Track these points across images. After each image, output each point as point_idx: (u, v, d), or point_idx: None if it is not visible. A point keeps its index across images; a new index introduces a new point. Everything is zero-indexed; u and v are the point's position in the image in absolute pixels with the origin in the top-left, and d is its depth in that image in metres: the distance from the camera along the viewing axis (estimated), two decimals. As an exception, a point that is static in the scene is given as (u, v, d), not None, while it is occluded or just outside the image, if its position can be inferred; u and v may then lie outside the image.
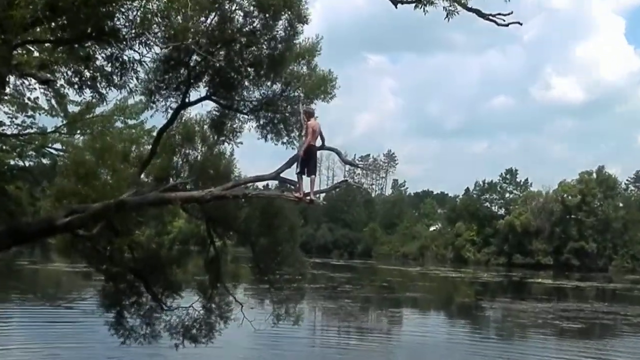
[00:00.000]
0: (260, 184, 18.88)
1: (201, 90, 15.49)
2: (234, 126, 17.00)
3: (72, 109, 22.39)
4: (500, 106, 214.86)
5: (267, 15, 13.90)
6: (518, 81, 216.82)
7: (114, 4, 10.57)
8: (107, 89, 12.54)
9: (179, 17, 11.96)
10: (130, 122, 22.93)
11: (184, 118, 17.60)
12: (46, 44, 12.38)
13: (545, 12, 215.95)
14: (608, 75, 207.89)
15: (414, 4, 11.75)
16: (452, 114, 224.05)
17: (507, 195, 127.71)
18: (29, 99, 19.98)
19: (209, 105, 16.58)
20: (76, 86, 12.50)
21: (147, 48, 11.79)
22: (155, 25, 11.85)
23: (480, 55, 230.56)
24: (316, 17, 15.92)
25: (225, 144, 17.75)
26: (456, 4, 11.66)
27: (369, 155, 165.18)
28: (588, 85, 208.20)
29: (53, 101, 21.12)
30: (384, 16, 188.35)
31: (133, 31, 11.34)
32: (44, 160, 24.50)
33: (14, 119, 21.41)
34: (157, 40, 12.05)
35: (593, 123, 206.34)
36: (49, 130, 23.05)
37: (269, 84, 15.87)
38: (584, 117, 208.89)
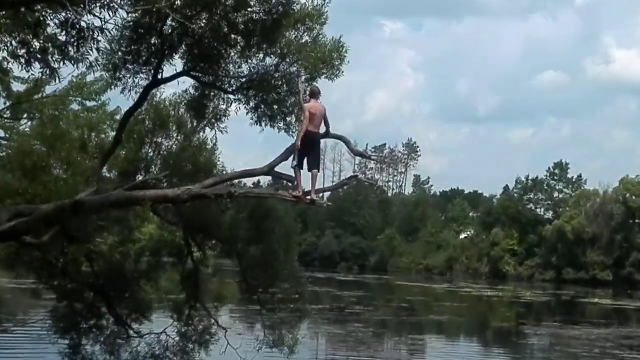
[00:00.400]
0: (249, 181, 18.97)
1: (177, 64, 15.55)
2: (218, 109, 17.07)
3: (18, 87, 22.45)
4: (547, 84, 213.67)
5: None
6: (570, 54, 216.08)
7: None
8: (61, 63, 12.59)
9: (150, -27, 11.98)
10: (90, 103, 23.00)
11: (155, 99, 17.67)
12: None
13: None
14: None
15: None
16: (487, 94, 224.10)
17: (555, 195, 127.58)
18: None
19: (187, 83, 16.66)
20: (23, 60, 12.54)
21: (110, 12, 11.80)
22: (120, -16, 11.90)
23: (522, 21, 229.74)
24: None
25: (207, 130, 17.84)
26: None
27: (384, 145, 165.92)
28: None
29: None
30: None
31: (93, -9, 11.37)
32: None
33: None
34: (123, 3, 12.08)
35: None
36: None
37: (261, 56, 15.92)
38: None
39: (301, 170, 13.73)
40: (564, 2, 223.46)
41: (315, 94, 13.99)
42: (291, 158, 14.07)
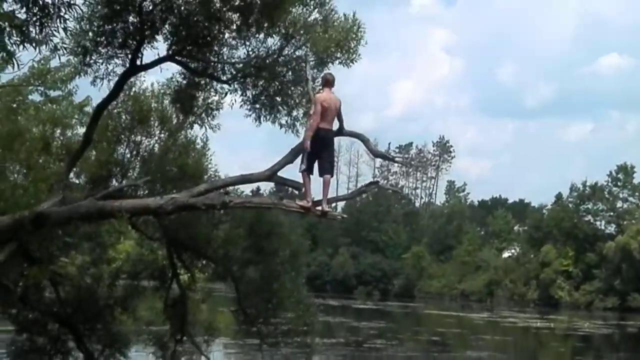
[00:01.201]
0: (247, 188, 18.98)
1: (160, 47, 15.61)
2: (209, 101, 17.14)
3: (-33, 75, 22.55)
4: (610, 70, 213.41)
5: None
6: (637, 33, 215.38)
7: None
8: (20, 45, 12.63)
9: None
10: (54, 93, 23.06)
11: (134, 89, 17.74)
12: None
13: None
14: None
15: None
16: (537, 83, 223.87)
17: (619, 204, 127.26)
18: None
19: (171, 70, 16.73)
20: (-27, 42, 12.58)
21: (80, -16, 11.89)
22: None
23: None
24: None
25: (196, 127, 17.90)
26: None
27: (410, 144, 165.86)
28: None
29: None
30: None
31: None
32: None
33: None
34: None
35: None
36: None
37: (260, 37, 15.98)
38: None
39: (311, 176, 13.72)
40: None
41: (329, 83, 13.97)
42: (298, 160, 14.10)
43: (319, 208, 13.84)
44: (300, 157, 13.93)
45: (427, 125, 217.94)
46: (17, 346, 18.48)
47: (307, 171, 13.69)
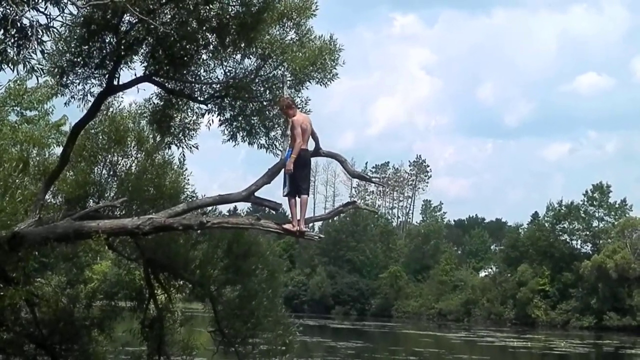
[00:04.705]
0: (224, 208, 19.00)
1: (137, 67, 15.65)
2: (186, 121, 17.17)
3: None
4: (589, 89, 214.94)
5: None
6: (616, 53, 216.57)
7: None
8: (-2, 66, 12.64)
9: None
10: (30, 113, 23.02)
11: (111, 109, 17.73)
12: None
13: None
14: None
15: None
16: (516, 102, 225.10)
17: (594, 223, 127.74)
18: None
19: (149, 91, 16.77)
20: (-49, 62, 12.58)
21: (58, 7, 11.90)
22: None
23: (559, 13, 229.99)
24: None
25: (173, 147, 17.91)
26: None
27: (387, 163, 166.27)
28: None
29: None
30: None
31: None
32: None
33: None
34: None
35: None
36: None
37: (237, 57, 16.06)
38: None
39: (297, 198, 13.73)
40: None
41: (295, 104, 14.15)
42: (275, 181, 14.19)
43: (296, 228, 13.88)
44: (281, 178, 14.00)
45: (407, 144, 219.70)
46: (-7, 367, 18.38)
47: (291, 195, 13.72)
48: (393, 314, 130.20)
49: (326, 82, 16.29)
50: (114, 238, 15.77)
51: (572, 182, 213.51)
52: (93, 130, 17.65)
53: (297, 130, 13.55)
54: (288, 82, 15.90)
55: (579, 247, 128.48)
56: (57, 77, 15.28)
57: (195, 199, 17.02)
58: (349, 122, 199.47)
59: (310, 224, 15.58)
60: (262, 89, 16.39)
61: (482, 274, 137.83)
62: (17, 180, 17.01)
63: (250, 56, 16.03)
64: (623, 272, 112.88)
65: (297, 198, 13.76)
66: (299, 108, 14.21)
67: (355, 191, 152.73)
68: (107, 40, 15.06)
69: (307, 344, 59.10)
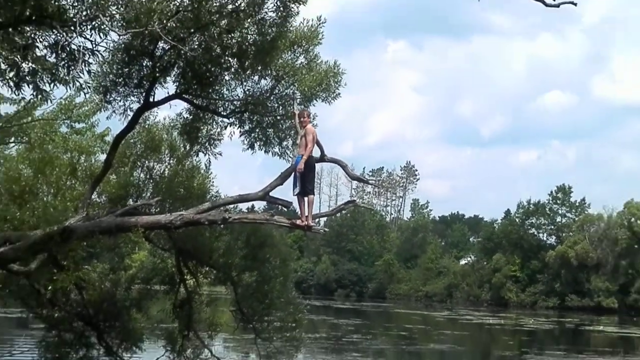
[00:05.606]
0: (244, 206, 18.97)
1: (169, 86, 15.62)
2: (211, 132, 17.11)
3: (7, 109, 22.45)
4: (553, 105, 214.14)
5: (253, -9, 13.97)
6: (577, 73, 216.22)
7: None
8: (51, 85, 12.59)
9: (142, -6, 12.06)
10: (79, 125, 22.99)
11: (147, 122, 17.70)
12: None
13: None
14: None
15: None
16: (492, 116, 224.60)
17: (558, 219, 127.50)
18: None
19: (179, 106, 16.72)
20: (12, 82, 12.54)
21: (101, 34, 11.88)
22: (112, 6, 11.95)
23: (529, 40, 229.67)
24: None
25: (200, 154, 17.87)
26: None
27: (382, 168, 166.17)
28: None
29: (-19, 101, 21.22)
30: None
31: (84, 13, 11.42)
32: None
33: None
34: (114, 25, 12.14)
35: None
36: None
37: (255, 78, 16.00)
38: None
39: (306, 198, 13.73)
40: (573, 21, 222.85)
41: (308, 117, 14.24)
42: (287, 182, 14.16)
43: (305, 223, 13.88)
44: (291, 180, 13.99)
45: (399, 151, 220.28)
46: (47, 341, 18.33)
47: (302, 194, 13.72)
48: (387, 296, 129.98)
49: (330, 101, 16.29)
50: (150, 231, 15.70)
51: (539, 184, 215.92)
52: (132, 140, 17.61)
53: (310, 137, 13.69)
54: (298, 99, 15.84)
55: (544, 239, 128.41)
56: (102, 94, 15.24)
57: (218, 198, 16.95)
58: (349, 133, 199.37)
59: (316, 220, 15.51)
60: (276, 105, 16.34)
61: (462, 262, 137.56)
62: (67, 183, 17.02)
63: (266, 77, 15.98)
64: (582, 260, 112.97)
65: (305, 197, 13.76)
66: (312, 121, 14.30)
67: (355, 192, 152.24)
68: (144, 64, 15.02)
69: (313, 321, 58.97)
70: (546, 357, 49.97)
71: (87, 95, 16.96)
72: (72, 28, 11.36)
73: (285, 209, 15.88)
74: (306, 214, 13.81)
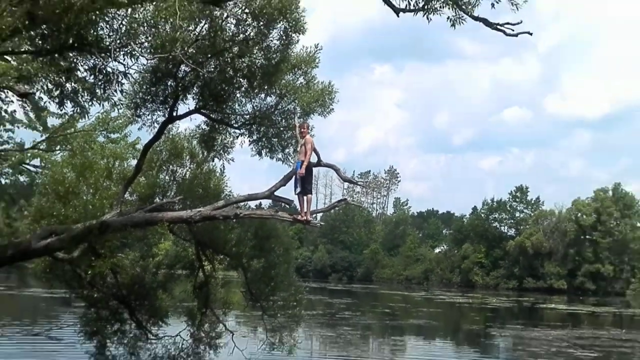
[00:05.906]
0: (252, 204, 18.95)
1: (190, 103, 15.60)
2: (225, 141, 17.08)
3: (53, 122, 22.47)
4: (512, 119, 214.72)
5: (260, 23, 13.93)
6: (532, 92, 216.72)
7: (97, 12, 10.60)
8: (90, 102, 12.59)
9: (167, 26, 12.02)
10: (113, 135, 23.02)
11: (171, 133, 17.69)
12: (25, 55, 12.42)
13: (563, 20, 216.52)
14: (630, 85, 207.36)
15: (414, 13, 11.87)
16: (461, 128, 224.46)
17: (517, 214, 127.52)
18: (5, 112, 20.06)
19: (198, 119, 16.71)
20: (57, 99, 12.54)
21: (132, 59, 11.90)
22: (141, 35, 11.94)
23: (493, 64, 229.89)
24: (320, 26, 16.20)
25: (216, 160, 17.86)
26: (462, 12, 11.78)
27: (369, 172, 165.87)
28: (608, 96, 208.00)
29: (32, 115, 21.20)
30: (391, 23, 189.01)
31: (118, 41, 11.42)
32: (22, 178, 24.54)
33: (-11, 134, 21.50)
34: (143, 51, 12.13)
35: (612, 137, 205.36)
36: (27, 145, 23.10)
37: (262, 96, 15.98)
38: (603, 130, 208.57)
39: (306, 197, 13.76)
40: (529, 48, 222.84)
41: (307, 128, 14.28)
42: (290, 184, 14.17)
43: (304, 218, 13.90)
44: (295, 183, 14.01)
45: (383, 158, 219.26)
46: (87, 317, 18.32)
47: (302, 193, 13.76)
48: (373, 279, 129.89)
49: (325, 115, 16.29)
50: (173, 225, 15.69)
51: (501, 185, 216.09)
52: (158, 148, 17.59)
53: (309, 146, 13.80)
54: (298, 114, 15.84)
55: (505, 231, 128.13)
56: (133, 110, 15.22)
57: (231, 197, 16.93)
58: (341, 142, 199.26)
59: (314, 215, 15.51)
60: (279, 118, 16.31)
61: (437, 250, 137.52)
62: (104, 184, 17.01)
63: (271, 95, 15.96)
64: (537, 249, 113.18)
65: (304, 196, 13.78)
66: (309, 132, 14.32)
67: (346, 191, 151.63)
68: (168, 84, 15.01)
69: (311, 300, 58.96)
70: (507, 330, 49.98)
71: (121, 111, 17.03)
72: (108, 54, 11.37)
73: (288, 206, 15.91)
74: (305, 210, 13.83)
